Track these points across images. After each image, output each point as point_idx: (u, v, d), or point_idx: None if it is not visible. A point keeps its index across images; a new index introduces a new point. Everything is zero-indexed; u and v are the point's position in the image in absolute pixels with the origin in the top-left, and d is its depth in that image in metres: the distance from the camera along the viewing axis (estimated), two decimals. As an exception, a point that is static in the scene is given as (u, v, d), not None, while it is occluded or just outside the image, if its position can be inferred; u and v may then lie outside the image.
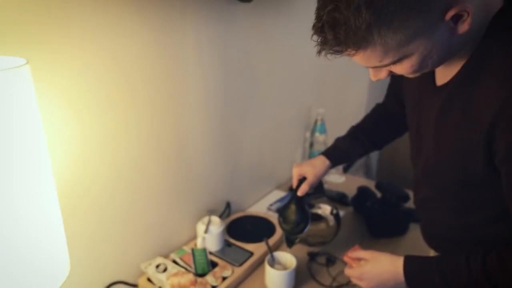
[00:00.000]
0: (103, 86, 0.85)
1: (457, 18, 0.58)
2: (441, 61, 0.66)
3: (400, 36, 0.58)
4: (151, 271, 1.04)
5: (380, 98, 1.20)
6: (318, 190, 1.12)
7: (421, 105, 0.83)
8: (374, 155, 2.65)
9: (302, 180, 1.06)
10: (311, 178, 1.04)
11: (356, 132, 1.13)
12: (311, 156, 1.69)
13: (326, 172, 1.07)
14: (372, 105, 1.21)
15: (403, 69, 0.66)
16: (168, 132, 1.05)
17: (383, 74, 0.70)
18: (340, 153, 1.10)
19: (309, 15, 0.67)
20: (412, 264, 0.79)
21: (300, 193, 1.04)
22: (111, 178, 0.93)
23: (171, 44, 0.98)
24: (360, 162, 2.40)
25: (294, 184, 1.07)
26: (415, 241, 1.28)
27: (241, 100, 1.29)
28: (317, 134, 1.64)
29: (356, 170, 2.32)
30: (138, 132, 0.96)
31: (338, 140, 1.13)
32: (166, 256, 1.12)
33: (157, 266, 1.05)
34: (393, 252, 1.22)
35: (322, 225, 1.19)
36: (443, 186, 0.80)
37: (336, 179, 1.71)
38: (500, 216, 0.74)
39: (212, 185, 1.28)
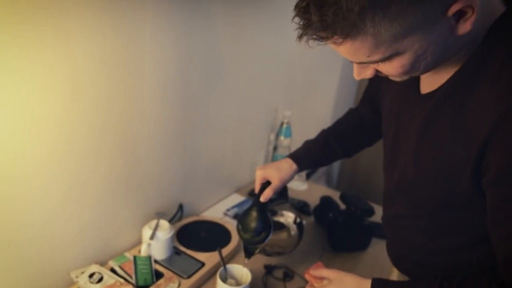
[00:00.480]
0: (37, 66, 0.70)
1: (459, 16, 0.52)
2: (434, 65, 0.58)
3: (395, 27, 0.50)
4: (82, 281, 0.89)
5: (348, 104, 1.13)
6: (282, 195, 1.02)
7: (401, 113, 0.75)
8: (336, 164, 2.62)
9: (265, 184, 0.96)
10: (276, 182, 0.94)
11: (327, 136, 1.04)
12: (274, 159, 1.60)
13: (292, 177, 0.98)
14: (339, 111, 1.14)
15: (392, 68, 0.58)
16: (116, 124, 0.92)
17: (368, 72, 0.62)
18: (309, 158, 1.01)
19: (282, 11, 0.57)
20: (382, 282, 0.71)
21: (263, 198, 0.94)
22: (41, 170, 0.78)
23: (126, 27, 0.84)
24: (322, 170, 2.36)
25: (257, 188, 0.97)
26: (377, 256, 1.23)
27: (202, 96, 1.17)
28: (282, 138, 1.56)
29: (318, 178, 2.26)
30: (78, 122, 0.82)
31: (308, 144, 1.05)
32: (103, 264, 0.98)
33: (91, 276, 0.91)
34: (354, 267, 1.16)
35: (283, 235, 1.09)
36: (418, 204, 0.73)
37: (298, 186, 1.63)
38: (477, 242, 0.68)
39: (164, 185, 1.15)
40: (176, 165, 1.17)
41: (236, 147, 1.45)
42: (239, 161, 1.49)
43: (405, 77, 0.62)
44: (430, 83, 0.67)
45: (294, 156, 1.00)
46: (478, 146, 0.56)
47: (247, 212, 0.95)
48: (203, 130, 1.23)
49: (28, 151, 0.75)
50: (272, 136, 1.63)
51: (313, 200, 1.44)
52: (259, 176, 0.97)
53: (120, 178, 0.98)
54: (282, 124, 1.58)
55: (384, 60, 0.56)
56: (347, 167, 2.77)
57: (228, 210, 1.38)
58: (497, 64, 0.55)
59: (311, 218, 1.41)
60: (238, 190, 1.54)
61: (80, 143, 0.84)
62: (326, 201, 1.36)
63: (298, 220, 1.04)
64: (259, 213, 0.93)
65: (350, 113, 1.08)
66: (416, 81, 0.71)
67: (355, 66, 0.62)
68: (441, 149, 0.63)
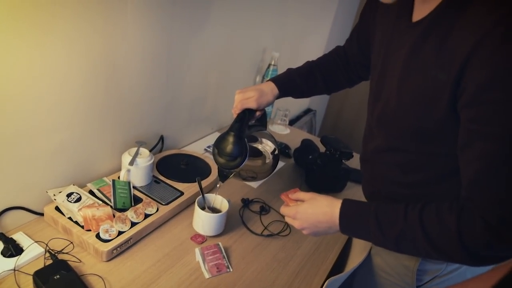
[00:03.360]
0: None
1: None
2: None
3: None
4: (60, 200, 0.90)
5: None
6: (261, 123, 1.00)
7: (391, 43, 0.74)
8: (319, 116, 2.63)
9: (245, 111, 0.94)
10: (255, 104, 0.92)
11: (312, 68, 1.02)
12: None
13: (272, 101, 0.96)
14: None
15: None
16: (103, 52, 0.88)
17: None
18: (291, 85, 0.99)
19: None
20: (349, 207, 0.72)
21: (235, 105, 0.92)
22: (22, 85, 0.75)
23: None
24: (304, 120, 2.37)
25: (235, 112, 0.95)
26: (351, 198, 1.27)
27: (187, 31, 1.12)
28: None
29: (300, 127, 2.28)
30: (66, 45, 0.77)
31: (291, 71, 1.02)
32: (81, 186, 0.98)
33: (69, 195, 0.91)
34: (328, 207, 1.20)
35: (258, 162, 1.06)
36: (396, 134, 0.73)
37: (281, 130, 1.64)
38: (446, 176, 0.70)
39: (145, 115, 1.13)
40: (158, 96, 1.14)
41: (221, 86, 1.42)
42: (223, 100, 1.47)
43: None
44: (421, 11, 0.66)
45: (276, 80, 0.98)
46: (458, 67, 0.56)
47: (224, 136, 0.92)
48: (187, 65, 1.20)
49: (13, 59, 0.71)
50: (258, 78, 1.61)
51: (295, 144, 1.46)
52: (239, 98, 0.93)
53: (101, 102, 0.95)
54: (269, 66, 1.55)
55: None
56: (330, 119, 2.80)
57: (209, 147, 1.38)
58: None
59: (291, 160, 1.44)
60: (220, 129, 1.54)
61: (64, 63, 0.80)
62: (306, 144, 1.38)
63: (275, 152, 1.04)
64: (236, 138, 0.91)
65: (337, 49, 1.06)
66: (409, 11, 0.70)
67: None
68: (425, 75, 0.63)
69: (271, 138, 1.03)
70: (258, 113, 0.96)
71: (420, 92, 0.64)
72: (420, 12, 0.66)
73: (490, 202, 0.57)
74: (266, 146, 1.03)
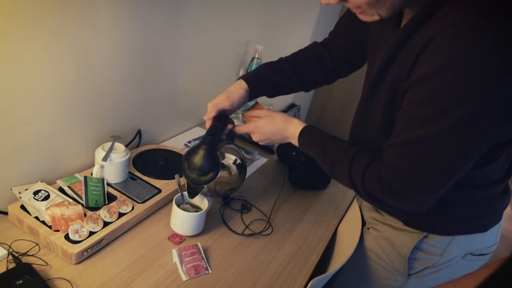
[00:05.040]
0: None
1: None
2: (399, 5, 0.60)
3: None
4: (26, 198, 0.83)
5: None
6: (230, 137, 0.96)
7: (378, 46, 0.77)
8: (303, 111, 2.61)
9: (217, 124, 0.89)
10: (227, 103, 0.88)
11: (285, 64, 0.97)
12: (241, 97, 1.54)
13: (244, 96, 0.91)
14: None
15: None
16: (72, 40, 0.82)
17: None
18: (263, 83, 0.95)
19: None
20: (311, 128, 0.86)
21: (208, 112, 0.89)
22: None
23: None
24: (289, 114, 2.33)
25: (208, 123, 0.90)
26: (335, 196, 1.25)
27: (168, 23, 1.07)
28: (251, 74, 1.49)
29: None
30: (32, 33, 0.71)
31: (262, 67, 0.97)
32: (50, 183, 0.92)
33: (36, 193, 0.85)
34: (312, 204, 1.17)
35: (224, 173, 1.03)
36: (372, 136, 0.78)
37: (264, 126, 1.60)
38: None
39: (121, 108, 1.07)
40: (134, 89, 1.08)
41: (202, 78, 1.37)
42: (205, 94, 1.42)
43: (375, 17, 0.63)
44: (407, 18, 0.67)
45: (247, 79, 0.93)
46: (412, 61, 0.61)
47: (195, 150, 0.88)
48: (166, 57, 1.14)
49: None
50: (242, 72, 1.56)
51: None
52: (210, 106, 0.89)
53: (72, 93, 0.89)
54: (252, 59, 1.50)
55: None
56: (315, 114, 2.78)
57: (189, 142, 1.33)
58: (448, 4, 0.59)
59: (274, 156, 1.40)
60: (201, 124, 1.49)
61: (29, 51, 0.74)
62: (290, 140, 1.35)
63: (238, 161, 1.00)
64: (209, 152, 0.87)
65: (313, 46, 1.02)
66: (399, 18, 0.71)
67: None
68: (392, 81, 0.68)
69: (234, 151, 1.00)
70: (230, 125, 0.92)
71: (387, 94, 0.70)
72: (406, 17, 0.68)
73: (395, 169, 0.67)
74: (228, 160, 1.00)
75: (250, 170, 1.27)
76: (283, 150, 1.36)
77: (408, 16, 0.67)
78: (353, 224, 1.01)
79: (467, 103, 0.56)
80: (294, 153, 1.28)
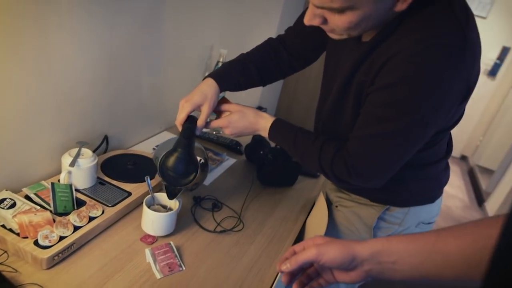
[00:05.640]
0: None
1: None
2: (369, 28, 0.73)
3: None
4: (-9, 207, 0.82)
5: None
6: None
7: (341, 54, 0.87)
8: (269, 113, 2.66)
9: (189, 126, 0.92)
10: (207, 109, 0.92)
11: (246, 61, 1.02)
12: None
13: (217, 94, 0.96)
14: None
15: (341, 21, 0.69)
16: (35, 45, 0.81)
17: (318, 21, 0.72)
18: (229, 79, 0.99)
19: None
20: (280, 122, 0.94)
21: (200, 125, 0.93)
22: None
23: None
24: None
25: (180, 121, 0.92)
26: (302, 192, 1.30)
27: (133, 28, 1.08)
28: (216, 77, 1.52)
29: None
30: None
31: (227, 66, 1.01)
32: (16, 191, 0.90)
33: (1, 201, 0.84)
34: (280, 201, 1.22)
35: None
36: (340, 134, 0.88)
37: (231, 128, 1.63)
38: None
39: (87, 113, 1.07)
40: (100, 94, 1.08)
41: (168, 83, 1.39)
42: (171, 99, 1.43)
43: (344, 36, 0.75)
44: (369, 34, 0.78)
45: (214, 77, 0.96)
46: (377, 70, 0.73)
47: (172, 153, 0.90)
48: (132, 62, 1.15)
49: None
50: (206, 75, 1.59)
51: (246, 141, 1.46)
52: (187, 107, 0.91)
53: (34, 99, 0.89)
54: (217, 63, 1.53)
55: (342, 10, 0.67)
56: (281, 116, 2.83)
57: (157, 146, 1.34)
58: (407, 25, 0.72)
59: (243, 157, 1.43)
60: (169, 128, 1.50)
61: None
62: (258, 139, 1.39)
63: (202, 161, 1.04)
64: (187, 155, 0.89)
65: (269, 41, 1.07)
66: None
67: (309, 11, 0.72)
68: (359, 80, 0.79)
69: (198, 149, 1.03)
70: (199, 128, 0.95)
71: (354, 96, 0.81)
72: (367, 35, 0.79)
73: (358, 157, 0.79)
74: None
75: (219, 171, 1.30)
76: (251, 150, 1.39)
77: (369, 33, 0.78)
78: (320, 214, 1.06)
79: (417, 109, 0.71)
80: (261, 152, 1.32)
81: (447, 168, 0.98)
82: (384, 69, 0.72)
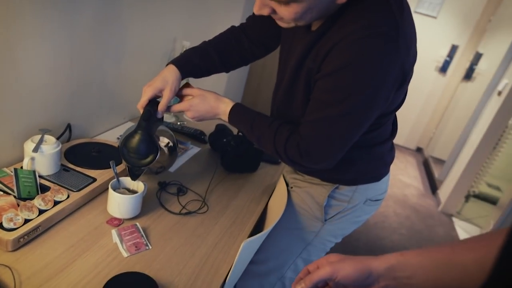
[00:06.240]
0: None
1: None
2: (314, 19, 0.79)
3: None
4: (-48, 192, 0.82)
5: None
6: (160, 120, 1.03)
7: (292, 42, 0.93)
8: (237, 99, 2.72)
9: (149, 110, 0.95)
10: (168, 93, 0.96)
11: (208, 48, 1.07)
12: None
13: (179, 80, 1.00)
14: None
15: (287, 12, 0.75)
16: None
17: (266, 10, 0.77)
18: (190, 65, 1.03)
19: None
20: (240, 106, 0.97)
21: (161, 109, 0.96)
22: None
23: None
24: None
25: (141, 105, 0.96)
26: (264, 177, 1.36)
27: (95, 17, 1.10)
28: (180, 69, 1.55)
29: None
30: None
31: (189, 52, 1.05)
32: (-23, 178, 0.90)
33: (-37, 187, 0.84)
34: (243, 185, 1.27)
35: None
36: (293, 112, 0.93)
37: (196, 119, 1.67)
38: None
39: (49, 102, 1.07)
40: (62, 82, 1.09)
41: (132, 75, 1.41)
42: (135, 90, 1.45)
43: (291, 25, 0.80)
44: (317, 23, 0.84)
45: (176, 63, 1.01)
46: (323, 56, 0.79)
47: (132, 135, 0.93)
48: (94, 52, 1.16)
49: None
50: (170, 67, 1.61)
51: (210, 130, 1.50)
52: (149, 92, 0.95)
53: (-5, 85, 0.89)
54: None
55: (286, 2, 0.72)
56: (247, 103, 2.90)
57: (121, 135, 1.35)
58: (349, 15, 0.78)
59: (207, 146, 1.48)
60: (133, 119, 1.51)
61: None
62: (220, 128, 1.44)
63: (170, 144, 1.08)
64: (146, 136, 0.93)
65: (232, 29, 1.12)
66: None
67: (257, 1, 0.77)
68: (307, 72, 0.85)
69: (166, 133, 1.07)
70: (160, 112, 0.98)
71: (304, 82, 0.87)
72: (315, 23, 0.85)
73: (310, 140, 0.85)
74: (161, 143, 1.07)
75: (184, 158, 1.34)
76: (214, 139, 1.44)
77: (317, 22, 0.83)
78: (280, 194, 1.13)
79: (360, 92, 0.77)
80: (225, 140, 1.37)
81: (392, 149, 1.07)
82: (328, 56, 0.78)
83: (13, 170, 0.92)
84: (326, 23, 0.81)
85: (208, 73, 1.08)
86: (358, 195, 1.03)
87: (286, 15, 0.76)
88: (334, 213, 1.05)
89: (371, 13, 0.75)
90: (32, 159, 0.95)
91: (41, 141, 0.97)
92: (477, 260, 0.51)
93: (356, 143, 0.87)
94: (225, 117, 0.98)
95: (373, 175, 1.04)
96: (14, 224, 0.80)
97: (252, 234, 1.07)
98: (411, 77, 0.84)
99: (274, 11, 0.78)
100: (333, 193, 1.03)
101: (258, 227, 1.13)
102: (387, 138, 1.00)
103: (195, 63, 1.03)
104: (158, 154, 0.96)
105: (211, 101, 0.97)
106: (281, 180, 1.17)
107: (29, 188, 0.91)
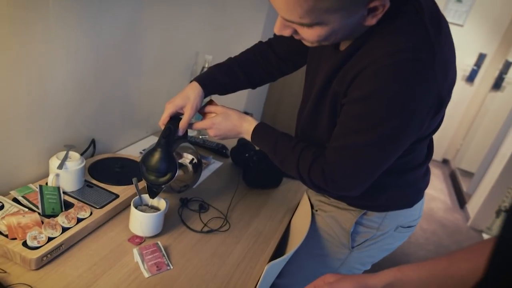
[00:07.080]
0: None
1: (371, 11, 0.66)
2: (340, 40, 0.75)
3: (333, 2, 0.62)
4: (-21, 209, 0.83)
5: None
6: (183, 136, 1.02)
7: (319, 61, 0.89)
8: (257, 115, 2.70)
9: (170, 127, 0.95)
10: (189, 111, 0.95)
11: (234, 64, 1.05)
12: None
13: (201, 101, 0.99)
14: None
15: (310, 35, 0.70)
16: (22, 51, 0.83)
17: (288, 31, 0.73)
18: (214, 82, 1.01)
19: None
20: (263, 126, 0.95)
21: (181, 129, 0.96)
22: None
23: None
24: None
25: (163, 121, 0.95)
26: (286, 193, 1.33)
27: (119, 33, 1.11)
28: (202, 82, 1.55)
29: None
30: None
31: (214, 69, 1.04)
32: (4, 194, 0.91)
33: (-11, 204, 0.85)
34: (265, 202, 1.25)
35: (180, 172, 1.07)
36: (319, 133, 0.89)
37: (217, 132, 1.66)
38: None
39: (74, 117, 1.08)
40: (87, 98, 1.10)
41: (155, 89, 1.41)
42: (158, 104, 1.45)
43: (315, 45, 0.75)
44: (345, 42, 0.80)
45: (199, 80, 0.99)
46: (350, 81, 0.74)
47: (151, 153, 0.92)
48: (118, 68, 1.17)
49: None
50: (193, 81, 1.62)
51: (232, 144, 1.49)
52: (170, 109, 0.95)
53: (22, 103, 0.90)
54: (203, 68, 1.57)
55: (310, 25, 0.67)
56: (267, 121, 2.87)
57: (144, 150, 1.36)
58: (375, 39, 0.72)
59: (229, 160, 1.46)
60: (155, 133, 1.52)
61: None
62: (242, 143, 1.42)
63: (194, 161, 1.06)
64: (164, 153, 0.92)
65: (259, 45, 1.09)
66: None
67: (278, 22, 0.72)
68: (333, 94, 0.81)
69: (189, 149, 1.06)
70: (181, 129, 0.97)
71: (330, 105, 0.82)
72: (344, 43, 0.80)
73: (336, 167, 0.80)
74: (185, 159, 1.06)
75: (206, 173, 1.33)
76: (236, 153, 1.42)
77: (346, 42, 0.79)
78: (304, 214, 1.09)
79: (389, 123, 0.72)
80: (247, 155, 1.35)
81: (426, 174, 0.99)
82: (355, 80, 0.73)
83: (38, 186, 0.93)
84: (355, 42, 0.75)
85: (233, 90, 1.07)
86: (388, 221, 0.96)
87: (309, 37, 0.72)
88: (362, 240, 0.99)
89: (405, 35, 0.69)
90: (57, 175, 0.96)
91: (65, 158, 0.98)
92: (473, 270, 0.51)
93: (387, 168, 0.80)
94: (248, 137, 0.95)
95: (403, 202, 0.97)
96: (38, 242, 0.80)
97: (275, 254, 1.04)
98: (448, 101, 0.76)
99: (296, 32, 0.73)
100: (360, 219, 0.97)
101: (280, 246, 1.10)
102: (421, 162, 0.93)
103: (219, 80, 1.02)
104: (177, 172, 0.94)
105: (234, 119, 0.95)
106: (305, 199, 1.13)
107: (53, 205, 0.91)
